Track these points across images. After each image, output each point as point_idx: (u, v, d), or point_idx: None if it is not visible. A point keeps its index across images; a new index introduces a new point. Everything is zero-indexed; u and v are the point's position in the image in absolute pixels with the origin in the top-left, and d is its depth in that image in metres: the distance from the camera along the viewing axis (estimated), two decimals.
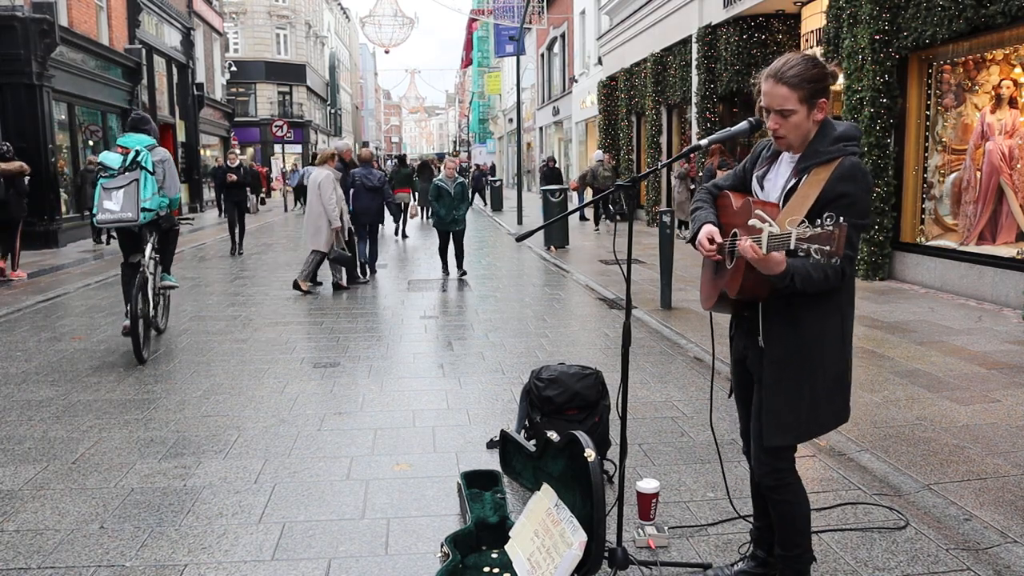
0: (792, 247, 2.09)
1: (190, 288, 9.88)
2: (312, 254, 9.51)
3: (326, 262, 9.75)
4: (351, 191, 10.54)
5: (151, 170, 6.14)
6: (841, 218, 2.04)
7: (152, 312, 6.38)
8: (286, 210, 26.95)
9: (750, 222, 2.21)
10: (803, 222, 2.13)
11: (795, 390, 2.42)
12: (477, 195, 29.60)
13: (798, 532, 2.56)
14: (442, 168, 11.31)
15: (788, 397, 2.42)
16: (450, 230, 10.74)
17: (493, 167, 32.73)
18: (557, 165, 21.10)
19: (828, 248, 2.05)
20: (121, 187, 6.01)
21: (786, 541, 2.57)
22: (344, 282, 9.87)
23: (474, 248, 14.87)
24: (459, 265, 10.93)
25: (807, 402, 2.42)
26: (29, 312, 8.38)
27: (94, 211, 6.11)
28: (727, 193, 2.58)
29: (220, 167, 14.45)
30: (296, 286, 9.47)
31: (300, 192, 21.77)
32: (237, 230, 13.75)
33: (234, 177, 13.50)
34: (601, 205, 16.80)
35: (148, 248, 6.33)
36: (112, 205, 5.99)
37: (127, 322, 6.12)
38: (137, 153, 6.14)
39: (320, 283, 9.96)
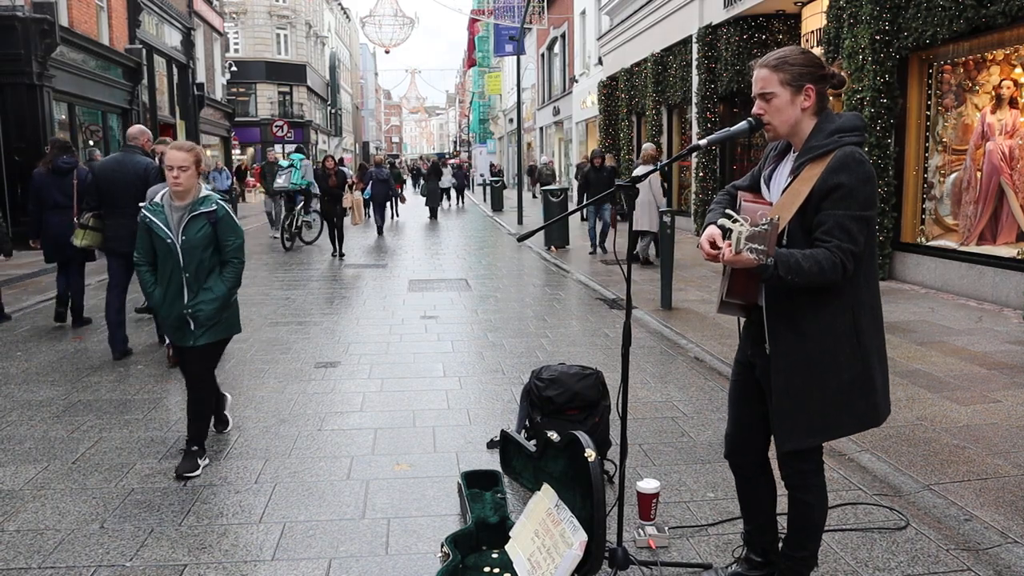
0: (742, 246, 2.11)
1: None
2: (643, 236, 11.22)
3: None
4: (370, 182, 16.75)
5: (298, 167, 14.57)
6: (775, 218, 2.16)
7: (296, 229, 14.53)
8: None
9: (719, 222, 2.22)
10: (760, 222, 2.16)
11: (804, 394, 2.36)
12: (455, 192, 29.29)
13: (809, 536, 2.54)
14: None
15: (797, 402, 2.37)
16: (182, 345, 4.18)
17: (500, 171, 32.35)
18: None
19: (761, 247, 2.09)
20: (284, 174, 14.59)
21: (795, 542, 2.55)
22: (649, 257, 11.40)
23: (475, 248, 14.88)
24: (192, 438, 4.11)
25: (817, 406, 2.36)
26: (29, 312, 8.38)
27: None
28: (741, 194, 2.57)
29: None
30: (639, 257, 11.34)
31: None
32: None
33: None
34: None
35: (301, 203, 14.66)
36: (281, 181, 14.58)
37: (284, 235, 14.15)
38: (291, 160, 14.90)
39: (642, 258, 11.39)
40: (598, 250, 12.75)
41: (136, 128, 6.53)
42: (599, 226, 12.88)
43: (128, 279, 6.34)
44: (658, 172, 11.16)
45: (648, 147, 11.55)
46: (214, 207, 4.02)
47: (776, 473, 2.64)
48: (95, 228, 6.35)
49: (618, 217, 17.40)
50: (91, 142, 17.08)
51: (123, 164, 6.23)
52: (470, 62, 56.39)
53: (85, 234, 6.36)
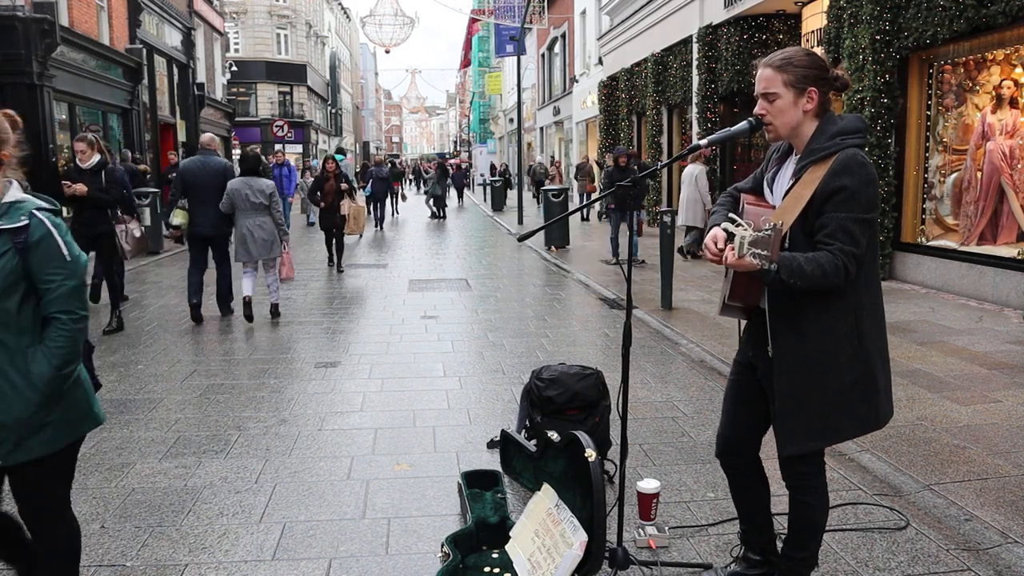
0: (745, 251, 2.10)
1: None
2: (692, 231, 11.45)
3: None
4: (370, 180, 18.11)
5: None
6: (779, 223, 2.13)
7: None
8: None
9: (723, 226, 2.21)
10: (764, 227, 2.15)
11: (804, 394, 2.35)
12: (454, 191, 29.18)
13: (810, 536, 2.53)
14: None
15: (797, 402, 2.36)
16: None
17: (506, 168, 32.25)
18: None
19: (764, 252, 2.08)
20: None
21: (795, 543, 2.55)
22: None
23: (475, 248, 14.88)
24: None
25: (817, 406, 2.35)
26: None
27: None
28: (744, 196, 2.56)
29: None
30: (684, 252, 11.50)
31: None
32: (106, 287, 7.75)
33: (80, 189, 6.86)
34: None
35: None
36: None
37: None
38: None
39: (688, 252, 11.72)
40: (623, 260, 10.98)
41: (207, 136, 8.23)
42: (625, 236, 10.95)
43: (205, 260, 7.76)
44: (704, 170, 11.60)
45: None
46: (24, 221, 2.20)
47: (772, 472, 2.64)
48: (185, 209, 7.77)
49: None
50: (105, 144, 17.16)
51: (206, 164, 7.67)
52: (465, 62, 56.38)
53: (181, 214, 7.75)
